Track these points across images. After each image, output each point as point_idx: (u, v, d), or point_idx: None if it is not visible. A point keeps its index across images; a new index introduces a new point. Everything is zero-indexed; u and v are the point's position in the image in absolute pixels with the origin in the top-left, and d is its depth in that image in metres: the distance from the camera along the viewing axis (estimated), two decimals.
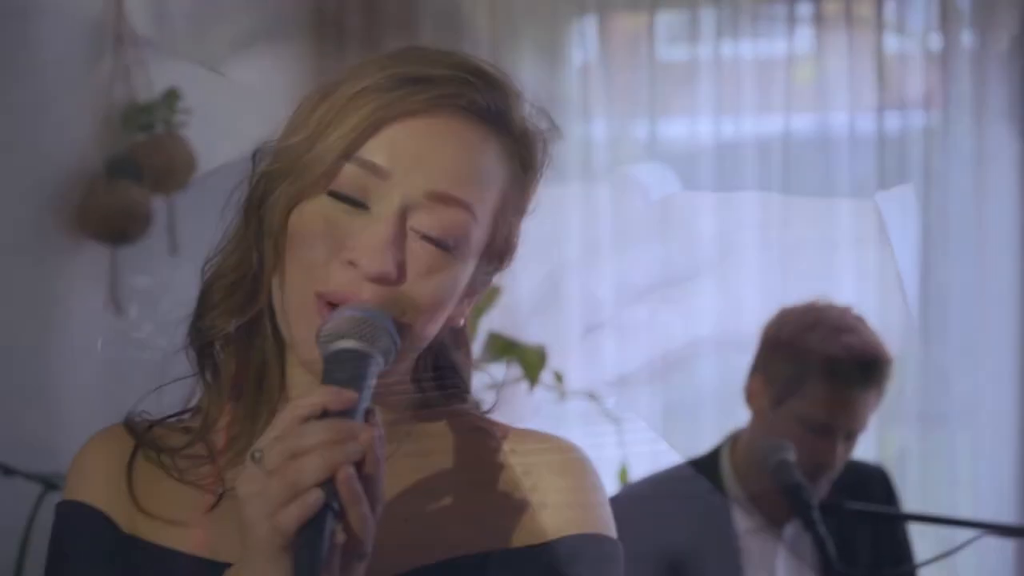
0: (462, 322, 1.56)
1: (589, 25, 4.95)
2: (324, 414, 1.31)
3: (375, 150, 1.44)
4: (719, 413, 4.73)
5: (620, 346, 4.96)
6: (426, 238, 1.45)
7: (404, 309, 1.45)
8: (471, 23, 5.01)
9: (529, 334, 4.79)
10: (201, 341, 1.55)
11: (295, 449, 1.28)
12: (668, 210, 4.89)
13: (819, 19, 4.71)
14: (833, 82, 4.66)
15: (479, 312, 4.39)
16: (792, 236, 4.74)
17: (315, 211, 1.45)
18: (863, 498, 3.30)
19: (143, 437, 1.57)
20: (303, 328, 1.45)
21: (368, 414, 1.34)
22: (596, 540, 1.55)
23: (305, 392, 1.47)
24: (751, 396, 3.29)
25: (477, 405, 1.65)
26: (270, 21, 4.84)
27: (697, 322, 4.91)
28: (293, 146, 1.48)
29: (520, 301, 4.97)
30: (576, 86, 4.95)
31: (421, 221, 1.45)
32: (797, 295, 3.57)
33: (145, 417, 1.59)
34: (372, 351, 1.38)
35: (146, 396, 1.60)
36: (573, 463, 1.58)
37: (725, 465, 3.32)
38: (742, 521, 3.29)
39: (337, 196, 1.45)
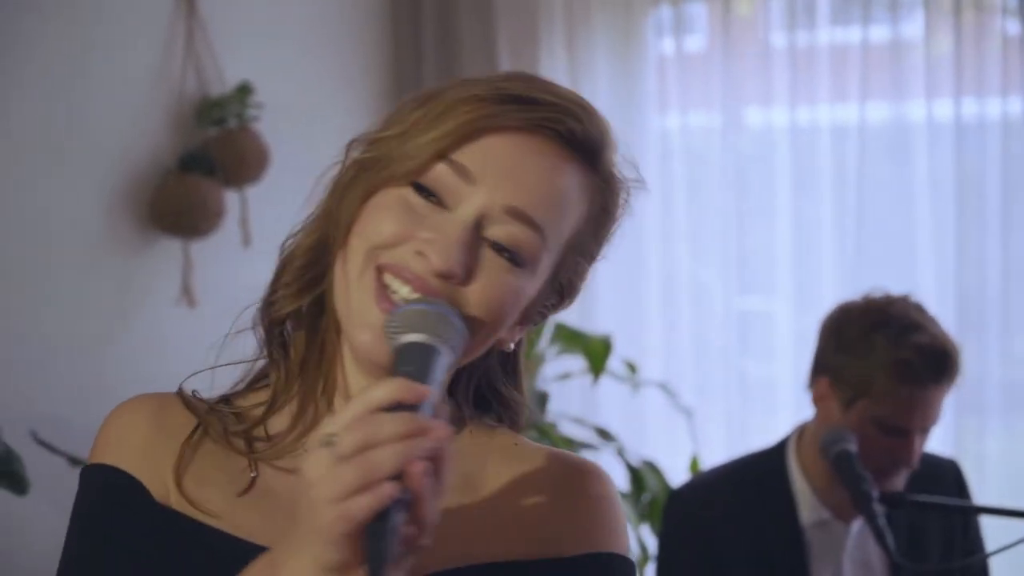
0: (511, 346, 1.60)
1: (664, 15, 4.92)
2: (397, 406, 1.32)
3: (468, 156, 1.49)
4: (796, 404, 4.70)
5: (697, 336, 4.94)
6: (497, 248, 1.49)
7: (464, 311, 1.47)
8: (547, 13, 5.00)
9: (604, 324, 4.79)
10: (271, 318, 1.60)
11: (371, 439, 1.29)
12: (745, 197, 4.87)
13: (927, 4, 4.63)
14: (942, 67, 4.59)
15: None
16: (871, 223, 4.70)
17: (396, 194, 1.50)
18: (934, 491, 3.26)
19: (210, 414, 1.60)
20: (359, 297, 1.49)
21: (437, 410, 1.35)
22: (619, 560, 1.60)
23: (360, 382, 1.55)
24: (818, 398, 3.25)
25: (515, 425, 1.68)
26: (344, 13, 4.86)
27: (774, 309, 4.88)
28: (388, 138, 1.52)
29: (597, 291, 4.97)
30: (653, 76, 4.93)
31: (496, 232, 1.49)
32: (873, 281, 3.54)
33: (198, 395, 1.63)
34: (441, 345, 1.40)
35: (197, 373, 1.63)
36: (598, 486, 1.62)
37: (791, 457, 3.30)
38: (808, 514, 3.26)
39: (422, 189, 1.49)
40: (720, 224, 4.87)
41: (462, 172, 1.48)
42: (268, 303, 1.60)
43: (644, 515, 4.27)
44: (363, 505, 1.27)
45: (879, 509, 3.00)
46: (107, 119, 4.05)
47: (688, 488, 3.46)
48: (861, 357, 3.15)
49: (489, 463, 1.61)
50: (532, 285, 1.53)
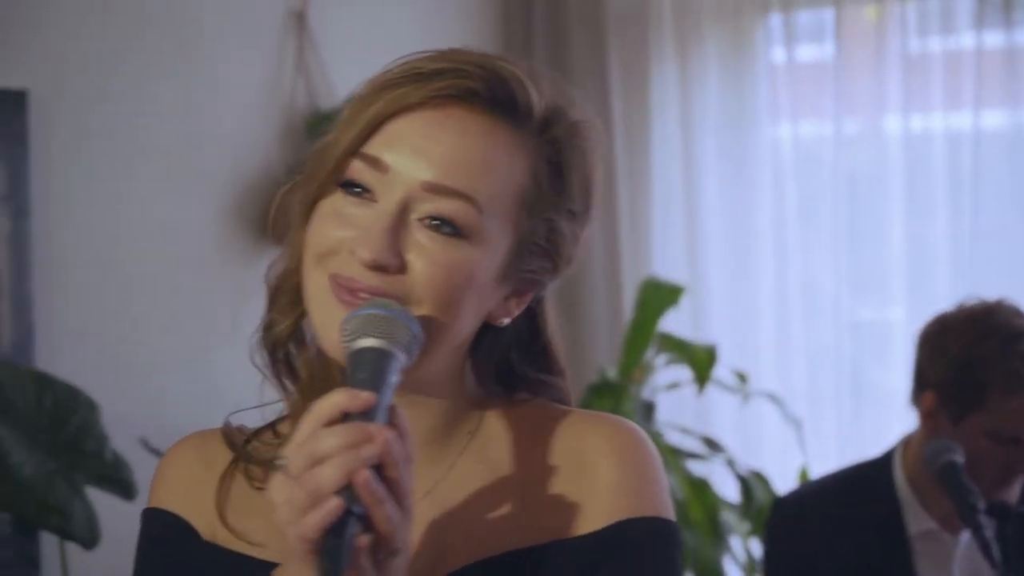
0: (506, 321, 1.55)
1: (775, 24, 4.90)
2: (345, 416, 1.33)
3: (377, 145, 1.47)
4: (911, 413, 4.65)
5: (810, 346, 4.91)
6: (430, 225, 1.46)
7: (413, 298, 1.45)
8: (657, 24, 5.01)
9: (717, 334, 4.77)
10: (272, 342, 1.58)
11: (314, 455, 1.30)
12: (857, 205, 4.84)
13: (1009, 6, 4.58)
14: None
15: (659, 312, 4.39)
16: (986, 231, 4.64)
17: (329, 204, 1.49)
18: None
19: (242, 451, 1.60)
20: (321, 313, 1.48)
21: (391, 413, 1.35)
22: (650, 522, 1.52)
23: None
24: (926, 415, 3.19)
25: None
26: (453, 28, 4.89)
27: (887, 318, 4.84)
28: (320, 148, 1.52)
29: (710, 301, 4.95)
30: (764, 85, 4.91)
31: (423, 210, 1.46)
32: (988, 289, 3.49)
33: (242, 428, 1.62)
34: (392, 348, 1.39)
35: (237, 412, 1.62)
36: (625, 444, 1.55)
37: (897, 468, 3.26)
38: (915, 524, 3.22)
39: (346, 187, 1.48)
40: (833, 232, 4.84)
41: (374, 163, 1.46)
42: (266, 329, 1.58)
43: (754, 526, 4.25)
44: (313, 523, 1.29)
45: (986, 521, 2.95)
46: (220, 134, 4.12)
47: (792, 498, 3.42)
48: (969, 371, 3.09)
49: (514, 444, 1.58)
50: (482, 255, 1.48)
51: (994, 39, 4.64)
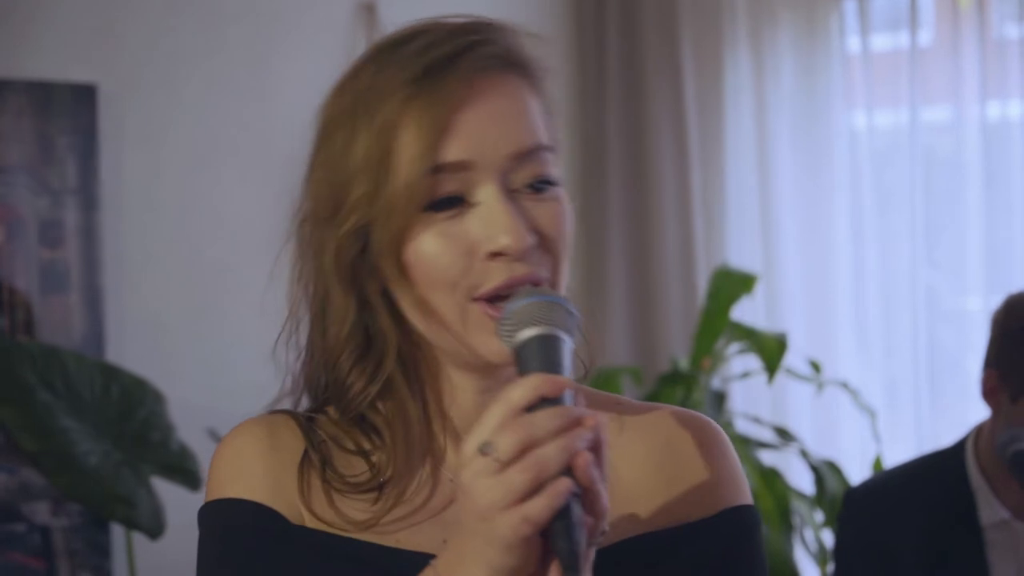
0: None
1: (849, 10, 4.85)
2: (540, 403, 1.30)
3: (446, 150, 1.46)
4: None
5: (886, 334, 4.86)
6: (534, 188, 1.47)
7: (549, 264, 1.47)
8: (730, 10, 4.98)
9: (791, 323, 4.74)
10: (353, 413, 1.55)
11: (531, 438, 1.27)
12: (932, 193, 4.78)
13: None
14: None
15: (731, 300, 4.36)
16: None
17: (426, 236, 1.46)
18: None
19: (316, 446, 1.55)
20: (481, 336, 1.46)
21: (576, 398, 1.34)
22: (749, 511, 1.59)
23: (474, 390, 1.53)
24: (987, 393, 3.17)
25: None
26: (525, 21, 4.88)
27: (966, 308, 4.78)
28: (365, 195, 1.48)
29: (784, 289, 4.92)
30: (838, 72, 4.87)
31: (520, 179, 1.47)
32: None
33: (309, 414, 1.58)
34: (560, 332, 1.38)
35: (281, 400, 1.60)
36: (714, 436, 1.61)
37: (969, 457, 3.23)
38: (987, 513, 3.19)
39: (436, 206, 1.46)
40: (910, 221, 4.78)
41: (456, 168, 1.45)
42: (346, 404, 1.54)
43: (827, 516, 4.22)
44: (543, 506, 1.26)
45: None
46: (290, 127, 4.11)
47: (863, 488, 3.41)
48: None
49: (620, 431, 1.59)
50: (564, 192, 1.52)
51: None
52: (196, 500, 3.51)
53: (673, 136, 5.01)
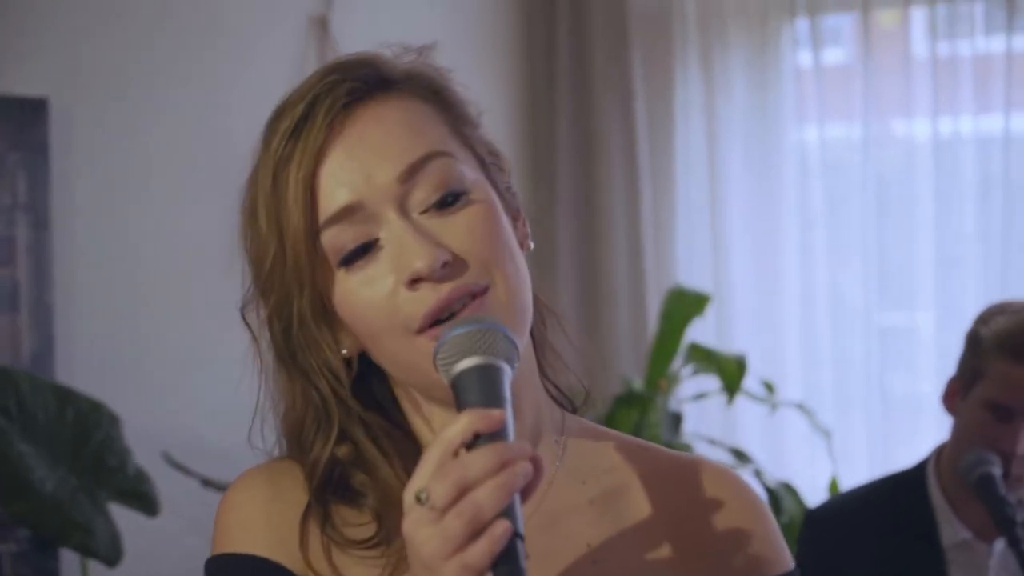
0: (531, 245, 1.52)
1: (801, 27, 4.86)
2: (476, 438, 1.26)
3: (328, 200, 1.43)
4: (941, 421, 4.61)
5: (838, 354, 4.87)
6: (438, 210, 1.43)
7: (483, 272, 1.42)
8: (681, 27, 4.97)
9: (743, 343, 4.73)
10: (326, 476, 1.49)
11: (465, 482, 1.23)
12: (885, 211, 4.80)
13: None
14: None
15: (685, 321, 4.35)
16: (1013, 235, 4.60)
17: (348, 291, 1.44)
18: None
19: (322, 507, 1.50)
20: (433, 367, 1.39)
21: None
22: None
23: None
24: (947, 397, 3.22)
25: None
26: (476, 39, 4.86)
27: (916, 325, 4.80)
28: (272, 273, 1.46)
29: (735, 309, 4.91)
30: (790, 88, 4.87)
31: (417, 201, 1.43)
32: (1019, 295, 3.48)
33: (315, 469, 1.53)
34: (497, 360, 1.32)
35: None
36: (751, 497, 1.55)
37: (931, 477, 3.24)
38: (949, 534, 3.20)
39: (348, 260, 1.43)
40: (860, 238, 4.79)
41: (346, 215, 1.42)
42: (310, 470, 1.49)
43: (785, 537, 4.20)
44: (481, 552, 1.21)
45: (1022, 533, 2.93)
46: (241, 141, 4.08)
47: (824, 509, 3.42)
48: (977, 343, 3.11)
49: (624, 475, 1.54)
50: (481, 194, 1.46)
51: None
52: (152, 526, 3.47)
53: (623, 154, 4.99)
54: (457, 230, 1.42)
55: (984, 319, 3.15)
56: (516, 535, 1.22)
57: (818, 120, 4.86)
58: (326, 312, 1.45)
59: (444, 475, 1.23)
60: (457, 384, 1.32)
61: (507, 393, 1.31)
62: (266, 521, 1.48)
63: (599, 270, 4.99)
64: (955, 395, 3.17)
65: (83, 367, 3.73)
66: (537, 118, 5.09)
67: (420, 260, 1.39)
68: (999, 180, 4.61)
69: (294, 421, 1.50)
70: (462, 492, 1.22)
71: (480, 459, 1.23)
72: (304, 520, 1.47)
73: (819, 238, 4.86)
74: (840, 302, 4.88)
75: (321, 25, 4.27)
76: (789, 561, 1.54)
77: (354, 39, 4.30)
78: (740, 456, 4.36)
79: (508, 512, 1.23)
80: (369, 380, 1.52)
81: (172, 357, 3.91)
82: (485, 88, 4.91)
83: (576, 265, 4.98)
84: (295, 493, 1.49)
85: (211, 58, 4.07)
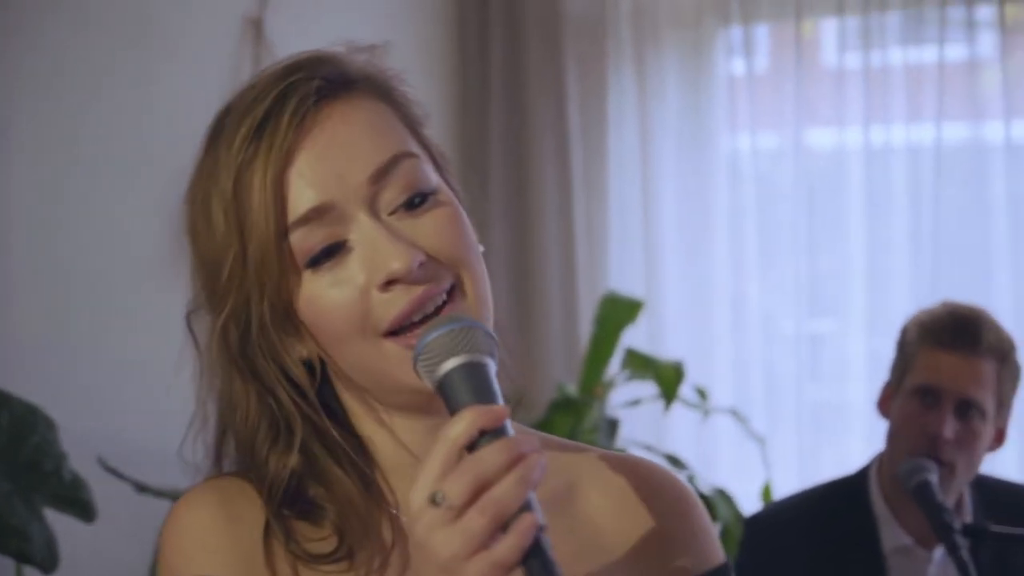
0: (482, 247, 1.51)
1: (735, 34, 4.87)
2: (482, 435, 1.25)
3: (297, 201, 1.41)
4: (869, 428, 4.64)
5: (768, 359, 4.88)
6: (407, 206, 1.42)
7: (453, 273, 1.42)
8: (615, 33, 4.96)
9: (675, 349, 4.73)
10: (284, 489, 1.46)
11: (481, 479, 1.22)
12: (817, 219, 4.81)
13: (1002, 24, 4.58)
14: (1017, 88, 4.54)
15: (619, 327, 4.35)
16: (943, 244, 4.64)
17: (315, 292, 1.41)
18: (1020, 523, 3.20)
19: (279, 522, 1.46)
20: (403, 371, 1.39)
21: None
22: (727, 569, 1.55)
23: (414, 427, 1.46)
24: (882, 402, 3.27)
25: None
26: (411, 45, 4.84)
27: (847, 333, 4.82)
28: (232, 275, 1.43)
29: (667, 315, 4.91)
30: (723, 95, 4.88)
31: (387, 202, 1.42)
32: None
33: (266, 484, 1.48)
34: (483, 358, 1.31)
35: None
36: (685, 493, 1.56)
37: (873, 484, 3.28)
38: (890, 539, 3.23)
39: (316, 262, 1.41)
40: (791, 246, 4.81)
41: (315, 215, 1.40)
42: (268, 483, 1.45)
43: (721, 543, 4.21)
44: (512, 546, 1.21)
45: (962, 541, 2.95)
46: (174, 142, 4.04)
47: (765, 514, 3.46)
48: (908, 339, 3.20)
49: (570, 477, 1.52)
50: (445, 194, 1.46)
51: (956, 52, 4.64)
52: (88, 532, 3.41)
53: (556, 158, 4.97)
54: (427, 231, 1.41)
55: (917, 317, 3.23)
56: (541, 527, 1.22)
57: (750, 127, 4.87)
58: (288, 317, 1.42)
59: (459, 474, 1.22)
60: (445, 385, 1.30)
61: (497, 387, 1.30)
62: (229, 542, 1.43)
63: (531, 274, 4.97)
64: (888, 398, 3.24)
65: (17, 370, 3.67)
66: (469, 121, 5.06)
67: (396, 261, 1.38)
68: (929, 189, 4.64)
69: (246, 432, 1.46)
70: (480, 490, 1.22)
71: (495, 454, 1.23)
72: (266, 538, 1.43)
73: (750, 245, 4.87)
74: (770, 309, 4.89)
75: (256, 26, 4.23)
76: (722, 554, 1.55)
77: (289, 41, 4.27)
78: (674, 462, 4.36)
79: (528, 506, 1.22)
80: (319, 388, 1.49)
81: (107, 361, 3.86)
82: (418, 90, 4.88)
83: (508, 269, 4.96)
84: (250, 511, 1.45)
85: (145, 58, 4.02)
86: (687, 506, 1.55)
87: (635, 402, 4.51)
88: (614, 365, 4.40)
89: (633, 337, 4.62)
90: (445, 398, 1.30)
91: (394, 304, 1.39)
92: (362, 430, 1.48)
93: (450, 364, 1.30)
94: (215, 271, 1.45)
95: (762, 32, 4.88)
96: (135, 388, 3.86)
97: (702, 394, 4.49)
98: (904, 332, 3.22)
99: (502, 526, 1.21)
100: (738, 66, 4.88)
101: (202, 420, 1.50)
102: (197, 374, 1.52)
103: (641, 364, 4.23)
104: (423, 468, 1.24)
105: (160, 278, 3.97)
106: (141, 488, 3.53)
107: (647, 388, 4.46)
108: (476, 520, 1.21)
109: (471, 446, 1.24)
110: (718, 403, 4.64)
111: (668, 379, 4.12)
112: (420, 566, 1.25)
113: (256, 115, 1.42)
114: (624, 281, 4.85)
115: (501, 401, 1.29)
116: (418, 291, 1.39)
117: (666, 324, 4.88)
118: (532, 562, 1.21)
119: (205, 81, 4.15)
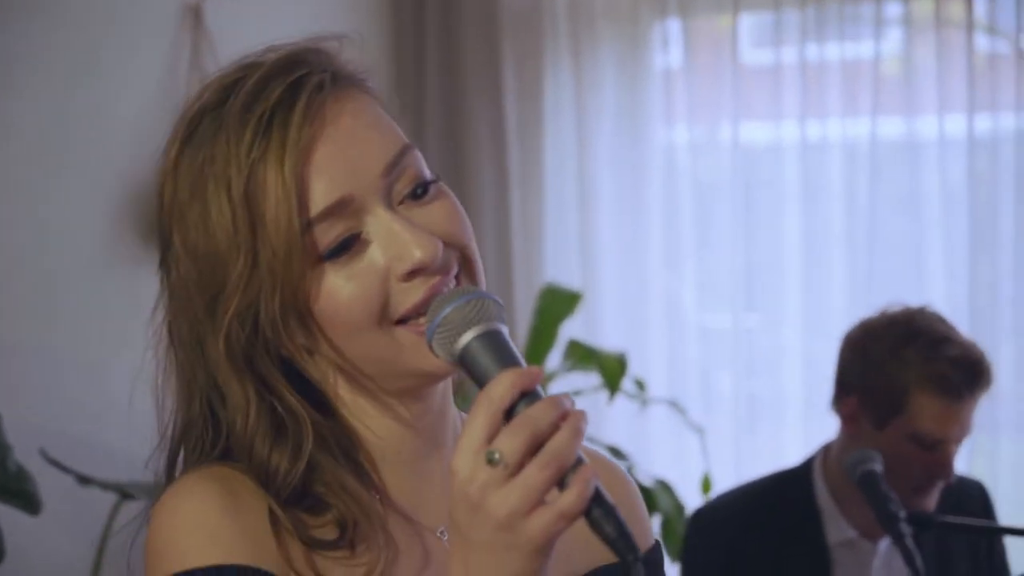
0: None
1: (672, 28, 4.88)
2: (522, 396, 1.26)
3: (318, 196, 1.40)
4: (805, 421, 4.67)
5: (704, 351, 4.90)
6: (414, 195, 1.44)
7: (466, 255, 1.45)
8: (552, 26, 4.96)
9: (611, 340, 4.74)
10: (288, 492, 1.44)
11: (536, 435, 1.23)
12: (752, 213, 4.83)
13: (908, 20, 4.63)
14: (922, 84, 4.58)
15: (559, 318, 4.34)
16: (879, 239, 4.67)
17: (334, 284, 1.42)
18: (961, 511, 3.23)
19: (284, 508, 1.44)
20: (420, 355, 1.40)
21: None
22: (660, 548, 1.63)
23: (398, 429, 1.48)
24: (848, 419, 3.20)
25: None
26: (345, 32, 4.81)
27: (782, 326, 4.85)
28: (243, 272, 1.41)
29: (603, 307, 4.92)
30: (659, 89, 4.89)
31: (399, 192, 1.44)
32: (884, 298, 3.50)
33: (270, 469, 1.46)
34: (499, 324, 1.34)
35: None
36: (623, 474, 1.63)
37: (817, 476, 3.27)
38: (834, 532, 3.23)
39: (333, 254, 1.41)
40: (727, 240, 4.83)
41: (335, 210, 1.40)
42: (278, 487, 1.43)
43: (661, 535, 4.22)
44: (577, 495, 1.22)
45: (907, 530, 2.96)
46: (112, 132, 3.99)
47: (711, 507, 3.44)
48: (893, 375, 3.11)
49: None
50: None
51: (891, 48, 4.69)
52: (33, 525, 3.36)
53: (493, 152, 4.96)
54: (437, 219, 1.43)
55: (891, 345, 3.13)
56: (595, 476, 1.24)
57: (687, 121, 4.88)
58: (297, 312, 1.42)
59: (513, 432, 1.23)
60: (467, 356, 1.32)
61: (518, 351, 1.32)
62: (238, 529, 1.40)
63: None
64: (860, 418, 3.17)
65: None
66: (405, 115, 5.04)
67: (420, 250, 1.39)
68: (864, 184, 4.67)
69: (244, 430, 1.45)
70: (535, 446, 1.23)
71: (545, 410, 1.24)
72: (274, 524, 1.42)
73: (686, 239, 4.89)
74: (706, 301, 4.91)
75: (195, 14, 4.18)
76: (653, 535, 1.63)
77: (227, 29, 4.24)
78: (615, 453, 4.37)
79: (580, 458, 1.24)
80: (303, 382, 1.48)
81: (45, 354, 3.81)
82: None
83: None
84: (253, 499, 1.42)
85: (80, 47, 3.95)
86: (632, 493, 1.62)
87: (575, 393, 4.51)
88: (553, 357, 4.40)
89: (571, 329, 4.62)
90: (468, 369, 1.32)
91: (414, 292, 1.40)
92: (351, 421, 1.49)
93: (469, 335, 1.32)
94: (215, 270, 1.43)
95: (699, 26, 4.88)
96: (77, 381, 3.81)
97: (640, 385, 4.50)
98: (884, 362, 3.13)
99: (561, 480, 1.23)
100: (675, 60, 4.88)
101: (167, 417, 1.50)
102: (160, 371, 1.50)
103: (584, 355, 4.24)
104: (465, 433, 1.25)
105: (104, 272, 3.94)
106: (84, 480, 3.49)
107: (588, 379, 4.46)
108: (537, 475, 1.22)
109: (509, 412, 1.26)
110: (656, 395, 4.65)
111: (611, 370, 4.12)
112: (470, 531, 1.25)
113: (265, 108, 1.41)
114: (561, 274, 4.85)
115: (525, 364, 1.31)
116: (435, 280, 1.40)
117: (603, 316, 4.89)
118: (597, 511, 1.23)
119: (144, 68, 4.11)
